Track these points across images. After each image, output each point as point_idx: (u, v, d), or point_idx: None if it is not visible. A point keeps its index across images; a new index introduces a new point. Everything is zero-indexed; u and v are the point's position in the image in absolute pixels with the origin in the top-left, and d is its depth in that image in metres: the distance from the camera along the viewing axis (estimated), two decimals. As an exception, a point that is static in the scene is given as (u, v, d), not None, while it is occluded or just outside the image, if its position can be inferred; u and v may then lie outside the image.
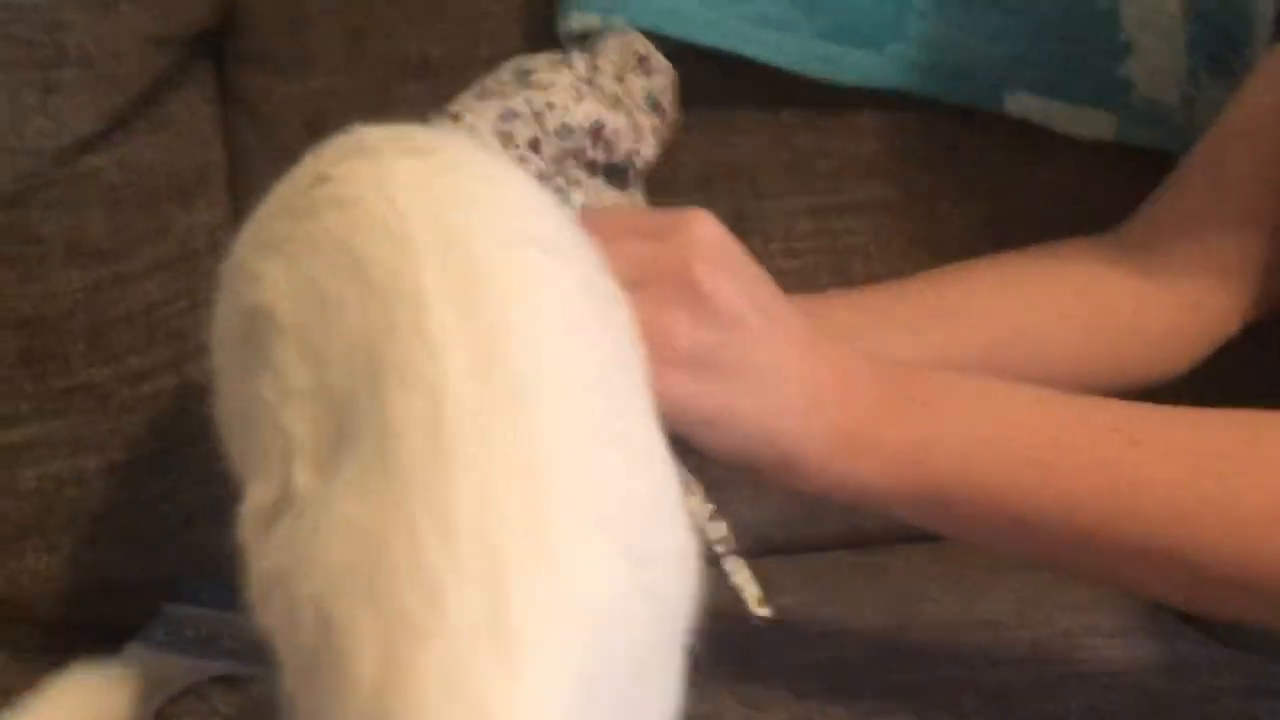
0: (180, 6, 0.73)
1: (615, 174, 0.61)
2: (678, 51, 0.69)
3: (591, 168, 0.61)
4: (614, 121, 0.60)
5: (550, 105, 0.60)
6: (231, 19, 0.76)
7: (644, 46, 0.64)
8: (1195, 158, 0.68)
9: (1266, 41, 0.80)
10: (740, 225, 0.72)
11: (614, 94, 0.62)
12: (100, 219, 0.73)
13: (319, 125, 0.74)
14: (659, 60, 0.64)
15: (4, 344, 0.71)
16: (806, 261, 0.73)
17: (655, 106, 0.63)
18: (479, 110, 0.59)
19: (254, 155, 0.77)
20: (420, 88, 0.72)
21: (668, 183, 0.73)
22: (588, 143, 0.60)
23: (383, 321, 0.38)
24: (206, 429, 0.77)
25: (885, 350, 0.60)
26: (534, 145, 0.58)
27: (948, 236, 0.74)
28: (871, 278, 0.73)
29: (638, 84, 0.63)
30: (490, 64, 0.72)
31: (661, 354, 0.45)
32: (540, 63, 0.62)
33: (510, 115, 0.59)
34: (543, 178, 0.57)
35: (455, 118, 0.59)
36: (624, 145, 0.61)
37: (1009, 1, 0.74)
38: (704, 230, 0.50)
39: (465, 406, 0.35)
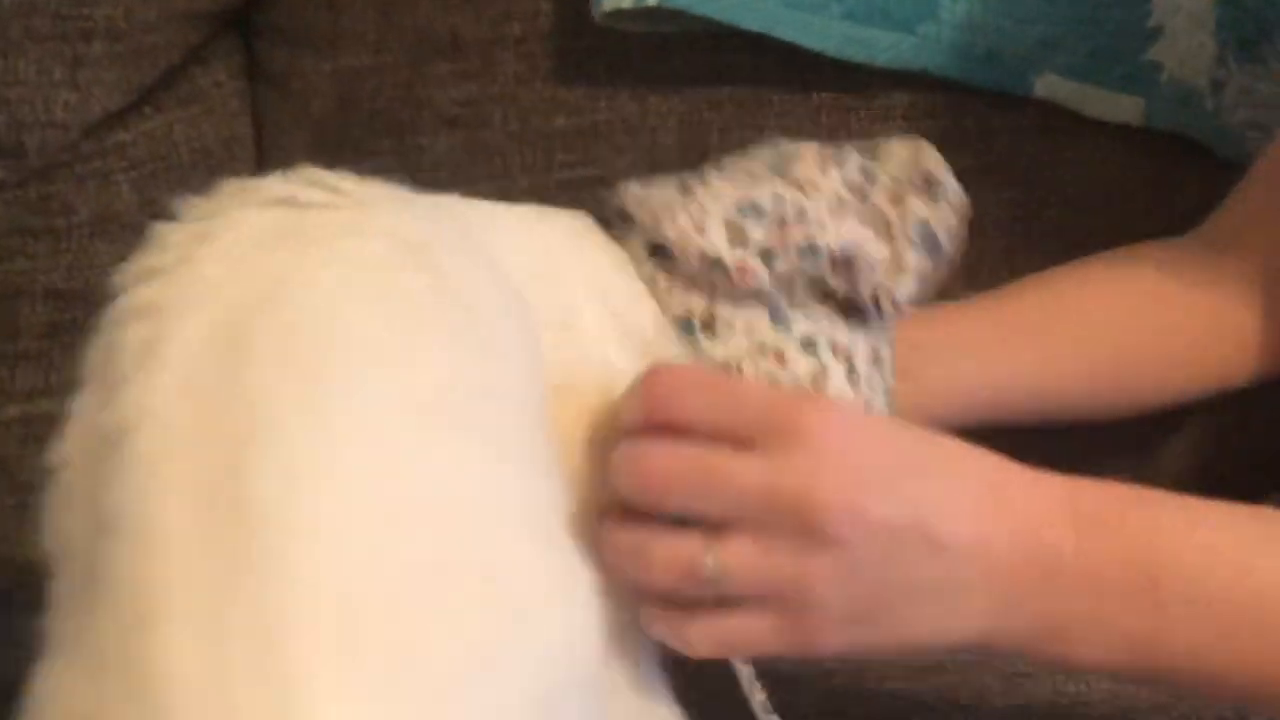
0: (211, -19, 0.73)
1: (853, 310, 0.52)
2: (708, 31, 0.69)
3: (824, 295, 0.51)
4: (875, 252, 0.51)
5: (802, 214, 0.50)
6: (257, -10, 0.76)
7: (936, 165, 0.54)
8: (1265, 158, 0.67)
9: (1297, 27, 0.80)
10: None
11: (884, 217, 0.52)
12: (128, 193, 0.73)
13: (349, 102, 0.76)
14: (951, 186, 0.54)
15: (34, 316, 0.71)
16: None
17: (931, 244, 0.52)
18: (716, 189, 0.51)
19: (283, 131, 0.77)
20: (449, 67, 0.72)
21: (695, 163, 0.73)
22: (828, 270, 0.51)
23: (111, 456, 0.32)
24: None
25: (1007, 361, 0.59)
26: (766, 256, 0.50)
27: (980, 218, 0.73)
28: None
29: (917, 211, 0.52)
30: (522, 44, 0.73)
31: (805, 622, 0.38)
32: (807, 153, 0.53)
33: (751, 209, 0.50)
34: (760, 296, 0.50)
35: (685, 190, 0.51)
36: (873, 279, 0.51)
37: (1039, -16, 0.74)
38: (827, 435, 0.39)
39: (182, 554, 0.28)
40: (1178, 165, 0.78)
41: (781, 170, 0.52)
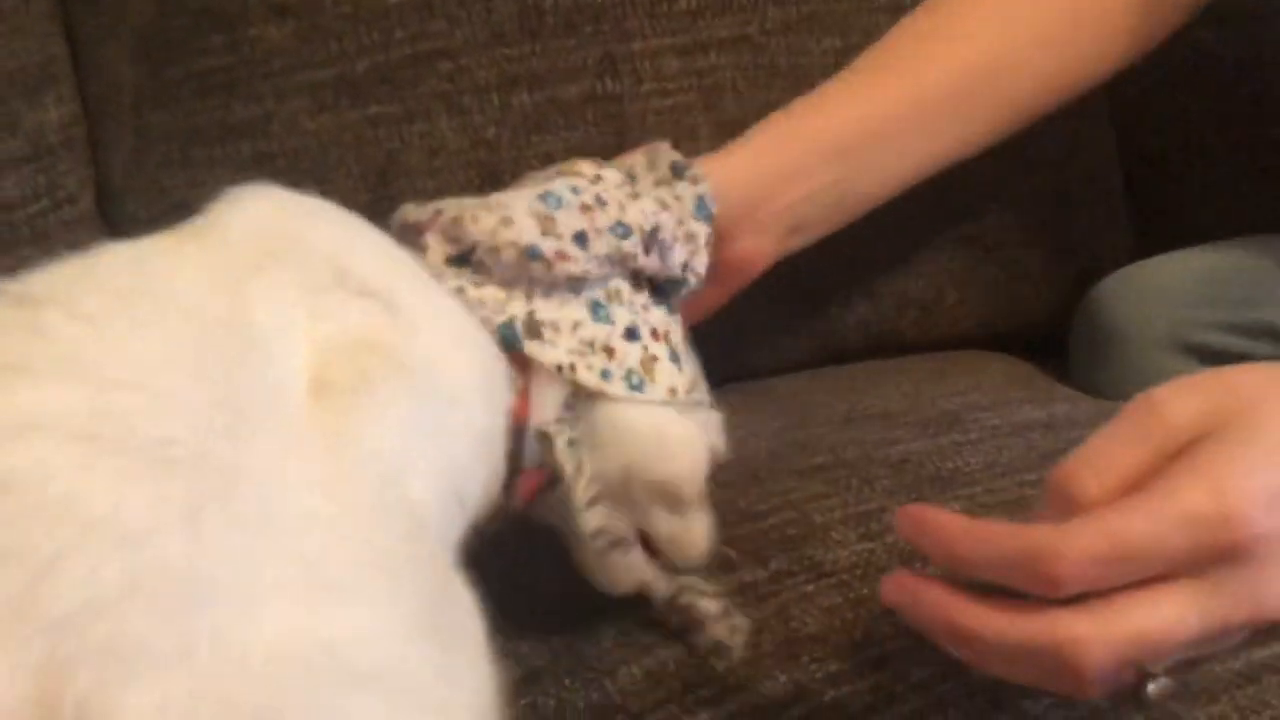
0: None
1: (662, 292, 0.54)
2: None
3: (637, 280, 0.52)
4: (671, 226, 0.52)
5: (601, 200, 0.51)
6: (59, -99, 0.73)
7: (675, 154, 0.57)
8: None
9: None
10: (612, 68, 0.76)
11: (662, 199, 0.54)
12: (-56, 118, 0.70)
13: (171, 6, 0.74)
14: (697, 172, 0.56)
15: None
16: (679, 100, 0.75)
17: (707, 215, 0.55)
18: (511, 193, 0.51)
19: (103, 45, 0.74)
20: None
21: (535, 30, 0.74)
22: (641, 249, 0.51)
23: None
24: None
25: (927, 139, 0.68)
26: (580, 240, 0.49)
27: (809, 67, 0.77)
28: (743, 113, 0.76)
29: (686, 190, 0.55)
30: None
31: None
32: (580, 163, 0.55)
33: (552, 198, 0.50)
34: (587, 280, 0.50)
35: (479, 199, 0.50)
36: (678, 256, 0.53)
37: None
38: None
39: None
40: None
41: (563, 173, 0.53)
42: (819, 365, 0.83)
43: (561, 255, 0.49)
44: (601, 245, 0.50)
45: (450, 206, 0.50)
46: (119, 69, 0.74)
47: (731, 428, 0.71)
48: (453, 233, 0.49)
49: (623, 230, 0.50)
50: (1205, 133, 0.92)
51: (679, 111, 0.75)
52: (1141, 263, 0.82)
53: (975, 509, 0.55)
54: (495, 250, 0.48)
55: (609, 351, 0.50)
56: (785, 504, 0.57)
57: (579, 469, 0.48)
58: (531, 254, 0.48)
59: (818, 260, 0.81)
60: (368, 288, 0.43)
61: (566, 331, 0.49)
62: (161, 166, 0.73)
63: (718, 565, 0.52)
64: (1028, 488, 0.57)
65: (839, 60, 0.79)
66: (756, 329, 0.80)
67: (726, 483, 0.61)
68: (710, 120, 0.76)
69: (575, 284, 0.50)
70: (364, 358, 0.40)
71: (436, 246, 0.49)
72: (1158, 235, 0.89)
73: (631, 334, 0.51)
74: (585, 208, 0.50)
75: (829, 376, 0.81)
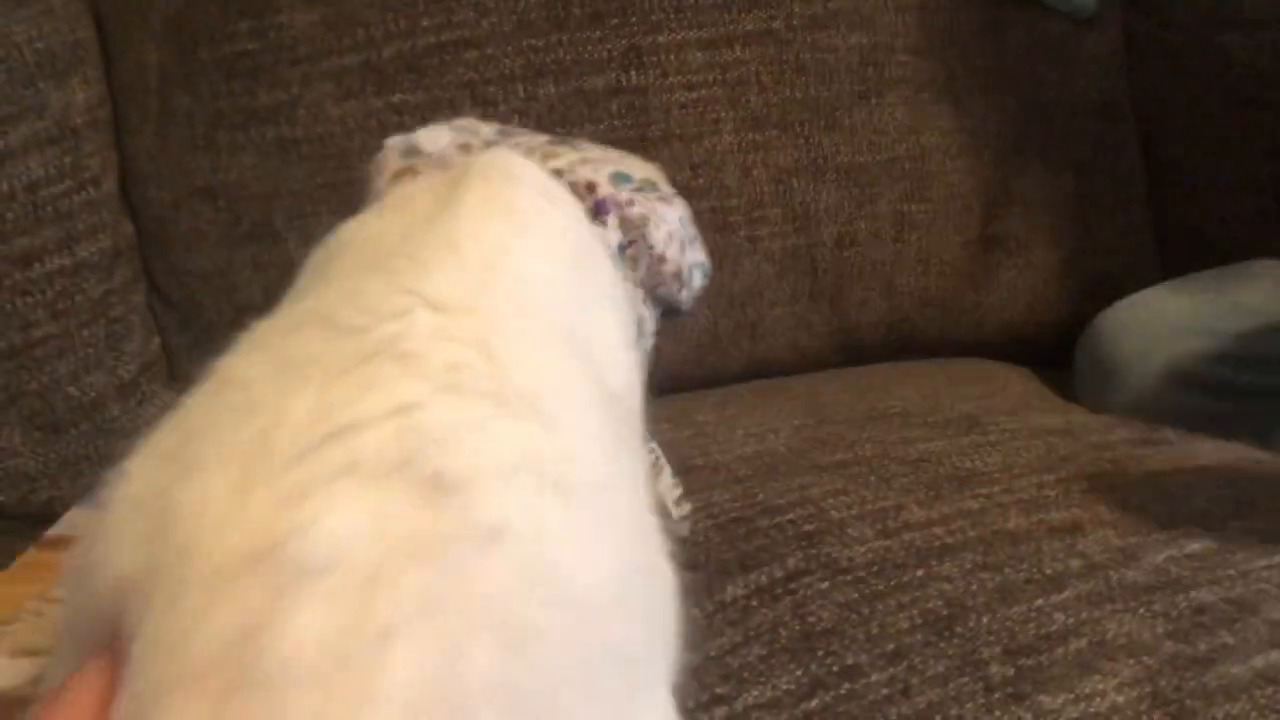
0: None
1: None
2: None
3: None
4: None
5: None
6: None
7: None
8: None
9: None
10: (637, 60, 0.76)
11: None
12: (-27, 95, 0.70)
13: (198, -4, 0.74)
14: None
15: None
16: (703, 94, 0.75)
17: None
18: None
19: (131, 29, 0.75)
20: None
21: (561, 20, 0.74)
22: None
23: None
24: (104, 310, 0.76)
25: None
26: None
27: (834, 64, 0.77)
28: (766, 107, 0.77)
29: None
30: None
31: None
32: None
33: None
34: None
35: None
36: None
37: None
38: None
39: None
40: (1005, 9, 0.84)
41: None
42: (837, 364, 0.83)
43: (688, 284, 0.52)
44: (697, 279, 0.53)
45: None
46: (145, 53, 0.75)
47: (750, 424, 0.72)
48: (631, 222, 0.51)
49: (705, 270, 0.53)
50: (1229, 140, 0.92)
51: (703, 105, 0.75)
52: (1142, 293, 0.82)
53: (993, 507, 0.55)
54: (661, 260, 0.51)
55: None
56: (803, 499, 0.57)
57: None
58: (680, 276, 0.52)
59: (837, 258, 0.81)
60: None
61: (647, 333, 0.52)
62: (185, 150, 0.74)
63: (736, 564, 0.52)
64: (1047, 488, 0.57)
65: (864, 57, 0.80)
66: (774, 323, 0.80)
67: (745, 476, 0.61)
68: (734, 114, 0.76)
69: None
70: None
71: (614, 230, 0.51)
72: (1180, 241, 0.89)
73: None
74: (691, 243, 0.53)
75: (847, 376, 0.81)
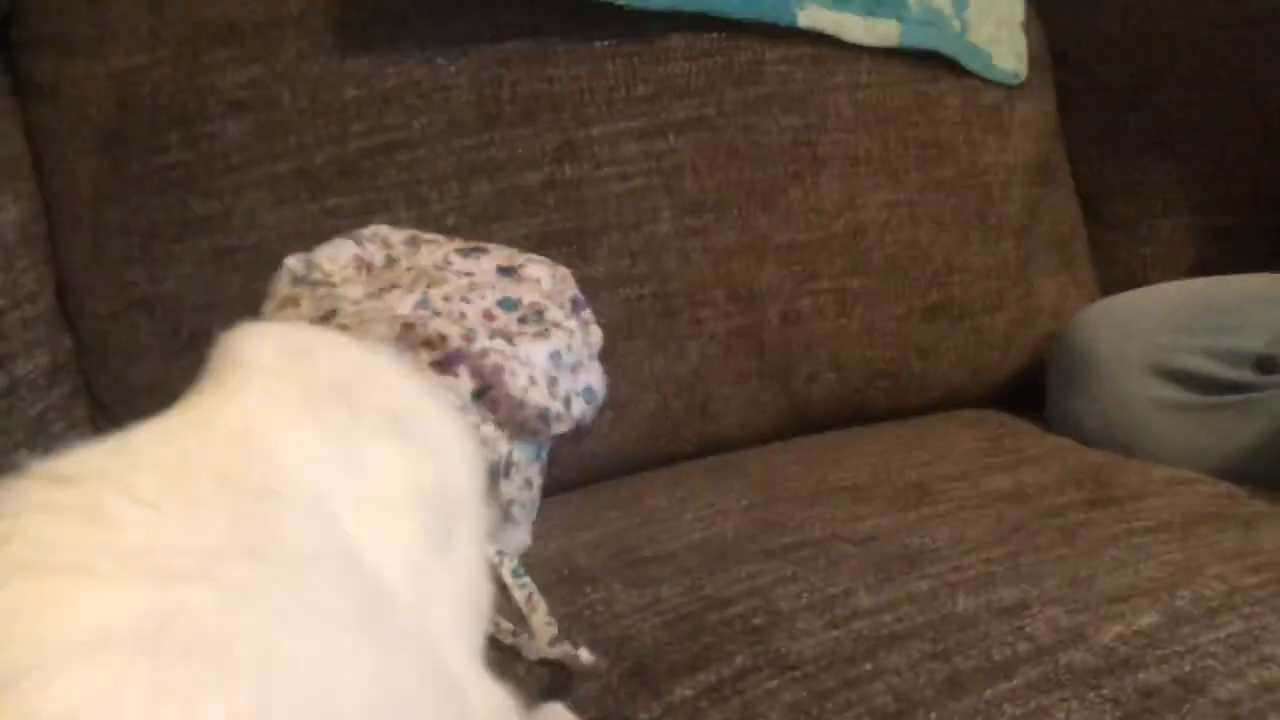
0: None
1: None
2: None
3: None
4: None
5: (579, 363, 0.60)
6: (17, 2, 0.74)
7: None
8: None
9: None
10: (571, 154, 0.76)
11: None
12: (-96, 220, 0.70)
13: (128, 101, 0.74)
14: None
15: None
16: (638, 183, 0.76)
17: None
18: (528, 344, 0.57)
19: (61, 142, 0.74)
20: (229, 53, 0.71)
21: (493, 118, 0.75)
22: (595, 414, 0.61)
23: None
24: (43, 427, 0.75)
25: None
26: (567, 403, 0.58)
27: (765, 144, 0.78)
28: (702, 191, 0.77)
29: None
30: (301, 21, 0.73)
31: None
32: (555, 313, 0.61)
33: (561, 362, 0.58)
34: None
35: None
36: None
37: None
38: None
39: None
40: (937, 82, 0.85)
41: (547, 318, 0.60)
42: (788, 436, 0.83)
43: (559, 418, 0.57)
44: (577, 408, 0.58)
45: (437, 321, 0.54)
46: (78, 166, 0.74)
47: (700, 506, 0.71)
48: (483, 373, 0.55)
49: (589, 395, 0.58)
50: (1168, 194, 0.93)
51: (639, 194, 0.76)
52: (1119, 294, 0.84)
53: (942, 587, 0.55)
54: (521, 405, 0.55)
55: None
56: (752, 589, 0.57)
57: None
58: (545, 415, 0.56)
59: (782, 336, 0.81)
60: (406, 428, 0.45)
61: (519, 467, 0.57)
62: (121, 262, 0.73)
63: (684, 665, 0.51)
64: (995, 564, 0.57)
65: (796, 137, 0.80)
66: (724, 402, 0.80)
67: (692, 567, 0.61)
68: (670, 201, 0.76)
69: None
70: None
71: (465, 380, 0.55)
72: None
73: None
74: (574, 370, 0.58)
75: (799, 447, 0.81)
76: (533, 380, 0.55)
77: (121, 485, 0.34)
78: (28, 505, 0.33)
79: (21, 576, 0.30)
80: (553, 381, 0.56)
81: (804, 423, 0.83)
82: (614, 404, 0.78)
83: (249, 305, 0.74)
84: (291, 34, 0.72)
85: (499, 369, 0.54)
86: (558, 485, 0.67)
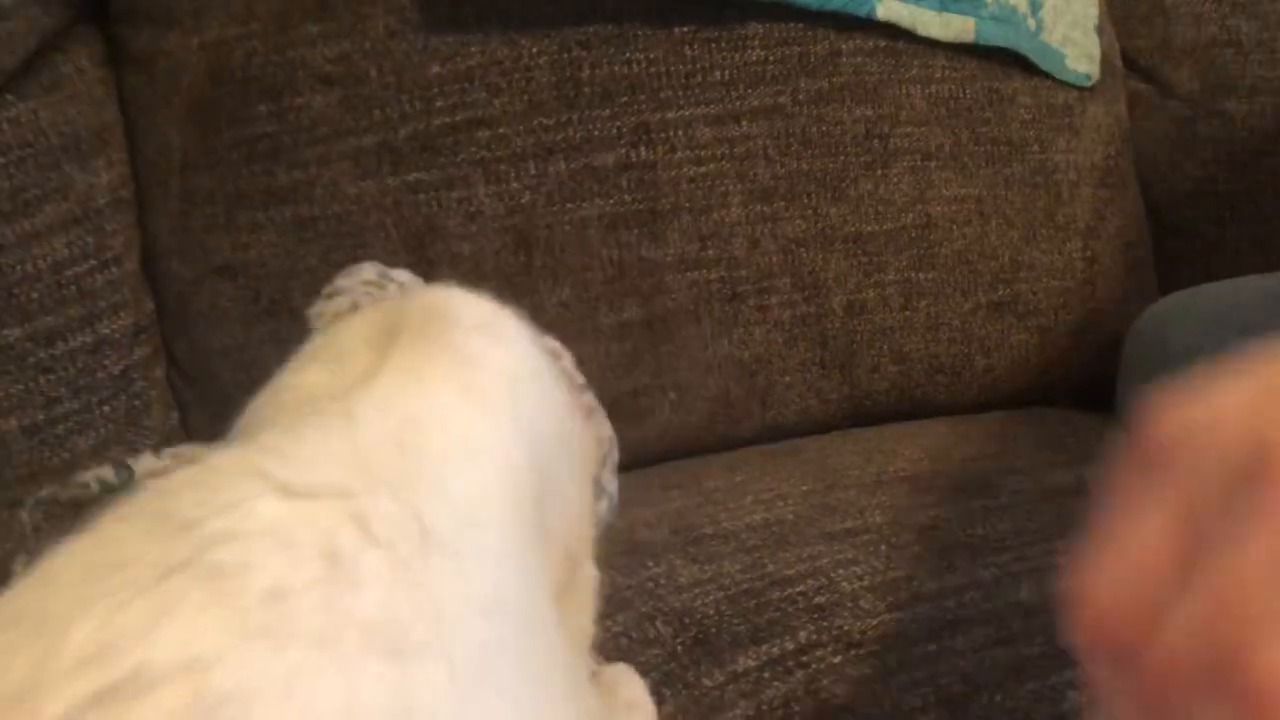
0: (64, -38, 0.73)
1: None
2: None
3: None
4: None
5: None
6: (116, -27, 0.76)
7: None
8: None
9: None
10: (646, 137, 0.77)
11: None
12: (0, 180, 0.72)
13: (220, 73, 0.76)
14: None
15: (-89, 309, 0.70)
16: (711, 168, 0.77)
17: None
18: None
19: (153, 112, 0.77)
20: (318, 28, 0.73)
21: (571, 99, 0.76)
22: None
23: None
24: (124, 386, 0.77)
25: None
26: None
27: (838, 136, 0.78)
28: (774, 181, 0.78)
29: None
30: (389, 0, 0.75)
31: None
32: None
33: None
34: None
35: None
36: None
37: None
38: None
39: None
40: (1009, 79, 0.85)
41: None
42: (846, 427, 0.84)
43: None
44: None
45: None
46: (168, 134, 0.77)
47: (759, 489, 0.72)
48: None
49: None
50: (1234, 201, 0.93)
51: (711, 179, 0.77)
52: (1199, 286, 0.81)
53: (1005, 576, 0.55)
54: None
55: None
56: (813, 570, 0.58)
57: None
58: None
59: (846, 326, 0.82)
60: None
61: None
62: (206, 229, 0.75)
63: (747, 635, 0.52)
64: (1057, 556, 0.57)
65: (869, 129, 0.81)
66: (785, 390, 0.81)
67: (754, 546, 0.62)
68: (741, 187, 0.77)
69: None
70: None
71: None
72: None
73: None
74: None
75: (858, 438, 0.81)
76: None
77: (359, 515, 0.29)
78: (257, 525, 0.27)
79: (263, 643, 0.25)
80: None
81: (863, 414, 0.83)
82: (675, 387, 0.79)
83: (328, 273, 0.75)
84: (380, 10, 0.73)
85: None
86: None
